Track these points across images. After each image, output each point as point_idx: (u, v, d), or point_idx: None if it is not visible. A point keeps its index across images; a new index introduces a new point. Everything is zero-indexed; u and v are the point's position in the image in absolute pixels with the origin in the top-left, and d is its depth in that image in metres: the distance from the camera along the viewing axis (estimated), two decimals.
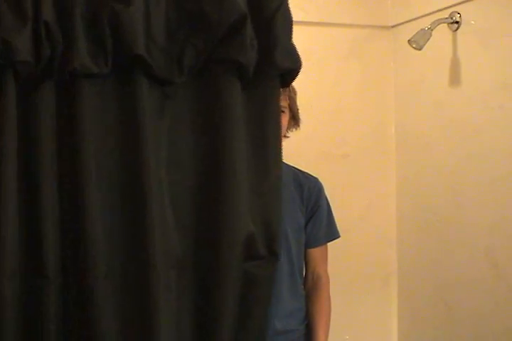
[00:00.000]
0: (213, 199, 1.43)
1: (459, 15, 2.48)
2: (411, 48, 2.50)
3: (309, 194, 2.02)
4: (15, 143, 1.36)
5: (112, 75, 1.40)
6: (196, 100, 1.45)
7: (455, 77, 2.52)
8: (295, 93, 1.96)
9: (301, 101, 2.00)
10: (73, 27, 1.35)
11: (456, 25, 2.50)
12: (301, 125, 2.03)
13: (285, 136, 1.95)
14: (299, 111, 2.00)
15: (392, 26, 2.81)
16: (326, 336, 2.02)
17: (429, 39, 2.46)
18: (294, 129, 2.03)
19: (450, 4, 2.50)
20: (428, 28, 2.45)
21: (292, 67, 1.43)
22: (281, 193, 1.47)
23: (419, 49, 2.49)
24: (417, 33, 2.47)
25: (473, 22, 2.44)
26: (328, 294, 2.07)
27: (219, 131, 1.42)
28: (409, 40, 2.48)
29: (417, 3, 2.69)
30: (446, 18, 2.49)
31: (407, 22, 2.73)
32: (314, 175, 2.08)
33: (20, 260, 1.37)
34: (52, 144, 1.39)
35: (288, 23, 1.42)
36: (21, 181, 1.37)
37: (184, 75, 1.40)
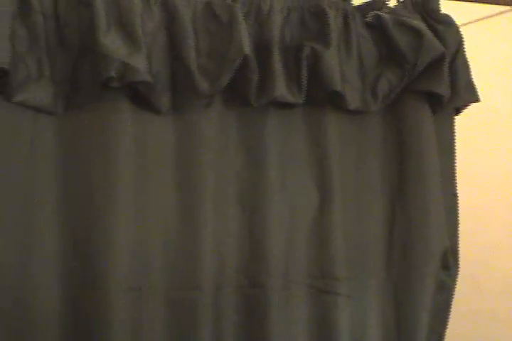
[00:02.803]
0: (412, 218, 1.56)
1: None
2: None
3: None
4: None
5: (302, 106, 1.50)
6: (386, 129, 1.58)
7: None
8: None
9: None
10: (272, 61, 1.44)
11: None
12: None
13: None
14: None
15: None
16: None
17: None
18: None
19: None
20: None
21: (472, 99, 1.60)
22: (458, 209, 1.64)
23: None
24: None
25: None
26: None
27: (412, 157, 1.56)
28: None
29: None
30: None
31: None
32: None
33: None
34: (218, 169, 1.46)
35: (466, 58, 1.58)
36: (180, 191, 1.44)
37: (378, 104, 1.52)
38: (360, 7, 1.54)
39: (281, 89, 1.43)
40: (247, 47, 1.39)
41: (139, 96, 1.40)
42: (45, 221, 1.37)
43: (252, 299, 1.46)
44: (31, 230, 1.36)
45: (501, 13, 2.01)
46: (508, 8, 1.67)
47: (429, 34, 1.48)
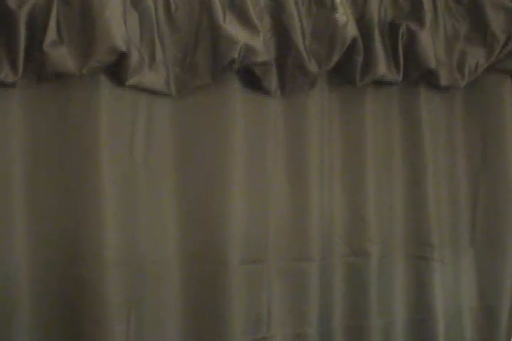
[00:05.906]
0: (494, 192, 1.70)
1: None
2: None
3: None
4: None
5: (399, 83, 1.58)
6: (470, 105, 1.68)
7: None
8: None
9: None
10: (374, 42, 1.51)
11: None
12: None
13: None
14: None
15: None
16: None
17: None
18: None
19: None
20: None
21: None
22: None
23: None
24: None
25: None
26: None
27: (494, 132, 1.69)
28: None
29: None
30: None
31: None
32: None
33: None
34: (322, 146, 1.54)
35: None
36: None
37: (465, 80, 1.60)
38: None
39: (384, 69, 1.51)
40: (355, 30, 1.46)
41: (249, 78, 1.46)
42: (165, 202, 1.43)
43: (355, 266, 1.56)
44: (156, 209, 1.42)
45: None
46: None
47: None
